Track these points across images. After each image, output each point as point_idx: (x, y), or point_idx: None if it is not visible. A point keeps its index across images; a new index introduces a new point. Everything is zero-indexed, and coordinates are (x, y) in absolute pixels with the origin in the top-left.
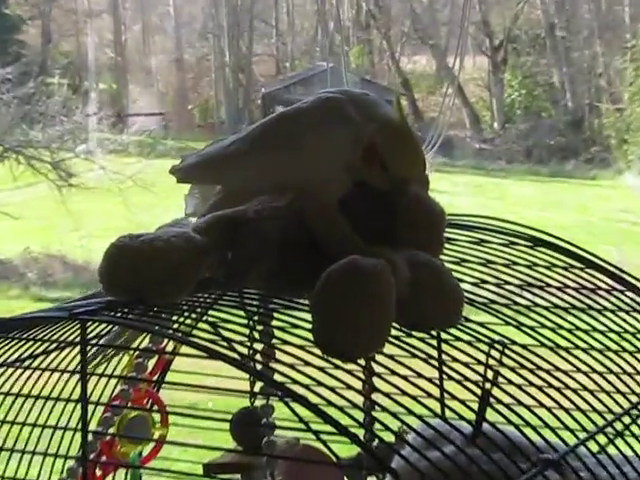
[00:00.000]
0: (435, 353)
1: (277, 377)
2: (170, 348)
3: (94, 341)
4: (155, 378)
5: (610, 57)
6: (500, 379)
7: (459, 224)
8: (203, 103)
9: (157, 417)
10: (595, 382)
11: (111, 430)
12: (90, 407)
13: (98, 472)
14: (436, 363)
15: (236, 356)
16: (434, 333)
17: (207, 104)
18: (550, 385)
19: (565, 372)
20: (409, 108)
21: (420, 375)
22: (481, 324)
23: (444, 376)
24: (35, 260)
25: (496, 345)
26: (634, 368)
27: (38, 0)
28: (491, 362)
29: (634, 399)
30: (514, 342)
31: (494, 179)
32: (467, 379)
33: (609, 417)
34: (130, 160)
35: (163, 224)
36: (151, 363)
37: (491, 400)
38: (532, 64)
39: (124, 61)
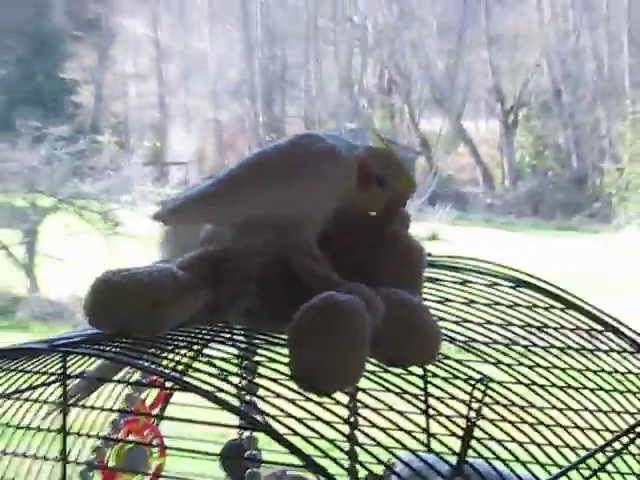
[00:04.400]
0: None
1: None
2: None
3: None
4: (155, 412)
5: (612, 121)
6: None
7: (446, 265)
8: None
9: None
10: (570, 419)
11: (109, 461)
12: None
13: None
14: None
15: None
16: (419, 371)
17: None
18: (524, 421)
19: (540, 409)
20: (427, 166)
21: (403, 416)
22: (460, 361)
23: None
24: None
25: (478, 385)
26: (609, 406)
27: (91, 65)
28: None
29: (608, 436)
30: (492, 380)
31: (503, 231)
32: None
33: (582, 453)
34: None
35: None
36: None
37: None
38: (541, 127)
39: (166, 120)
